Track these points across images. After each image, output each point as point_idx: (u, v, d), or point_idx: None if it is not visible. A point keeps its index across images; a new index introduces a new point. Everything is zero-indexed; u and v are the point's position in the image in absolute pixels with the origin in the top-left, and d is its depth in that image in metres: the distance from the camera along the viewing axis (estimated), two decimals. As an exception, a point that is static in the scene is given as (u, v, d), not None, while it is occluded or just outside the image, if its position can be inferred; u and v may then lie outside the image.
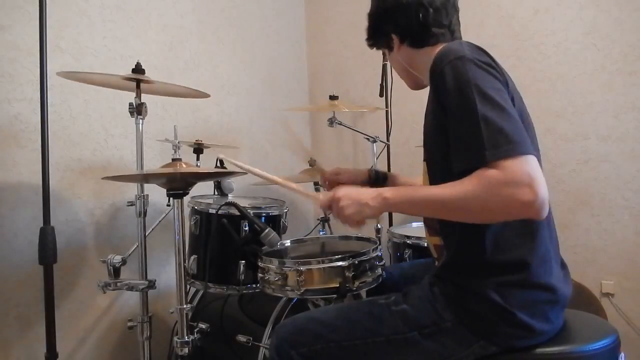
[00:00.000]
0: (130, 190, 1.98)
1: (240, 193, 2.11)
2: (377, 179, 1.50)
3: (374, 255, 1.36)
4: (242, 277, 1.68)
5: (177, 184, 1.47)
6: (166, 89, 1.76)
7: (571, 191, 2.12)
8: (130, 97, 1.63)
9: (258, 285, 1.48)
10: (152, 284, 1.65)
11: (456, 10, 1.22)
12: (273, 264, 1.37)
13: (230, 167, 1.60)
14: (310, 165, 2.29)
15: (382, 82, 2.45)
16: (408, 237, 1.88)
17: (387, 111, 2.52)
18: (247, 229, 1.66)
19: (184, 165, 1.47)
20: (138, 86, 1.61)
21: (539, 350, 1.00)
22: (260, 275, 1.42)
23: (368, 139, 2.39)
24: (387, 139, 2.51)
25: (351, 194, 1.05)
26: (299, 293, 1.31)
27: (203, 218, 1.74)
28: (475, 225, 1.00)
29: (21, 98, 1.81)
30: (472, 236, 1.02)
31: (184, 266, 1.51)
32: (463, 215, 0.96)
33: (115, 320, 2.07)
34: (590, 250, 2.08)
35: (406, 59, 1.23)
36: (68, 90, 1.91)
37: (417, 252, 1.84)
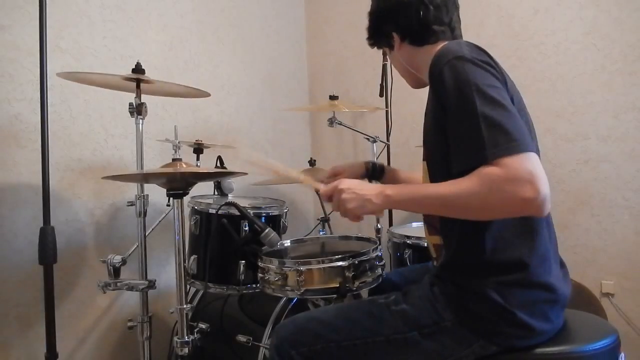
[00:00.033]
0: (130, 190, 1.98)
1: (240, 193, 2.11)
2: (374, 171, 1.50)
3: (374, 255, 1.36)
4: (242, 277, 1.69)
5: (177, 184, 1.47)
6: (166, 88, 1.76)
7: (571, 191, 2.12)
8: (130, 97, 1.63)
9: (258, 285, 1.48)
10: (152, 284, 1.65)
11: (456, 7, 1.22)
12: (273, 264, 1.37)
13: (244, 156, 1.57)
14: (310, 165, 2.29)
15: (382, 82, 2.44)
16: (408, 237, 1.88)
17: (387, 111, 2.52)
18: (247, 229, 1.66)
19: (184, 165, 1.47)
20: (138, 86, 1.61)
21: (539, 350, 1.00)
22: (260, 275, 1.42)
23: (368, 139, 2.39)
24: (387, 139, 2.51)
25: (354, 188, 1.05)
26: (299, 293, 1.30)
27: (203, 218, 1.74)
28: (475, 224, 1.00)
29: (21, 98, 1.81)
30: (472, 235, 1.02)
31: (184, 266, 1.51)
32: (464, 212, 0.96)
33: (115, 320, 2.07)
34: (590, 250, 2.08)
35: (407, 58, 1.23)
36: (68, 90, 1.91)
37: (417, 252, 1.84)
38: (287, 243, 1.65)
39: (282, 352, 1.09)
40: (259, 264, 1.43)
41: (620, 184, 2.01)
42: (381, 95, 2.46)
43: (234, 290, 1.70)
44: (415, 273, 1.42)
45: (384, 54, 2.36)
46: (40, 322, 1.57)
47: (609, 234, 2.04)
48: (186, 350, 1.46)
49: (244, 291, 1.71)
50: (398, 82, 2.26)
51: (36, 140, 1.69)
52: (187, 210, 1.80)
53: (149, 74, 1.61)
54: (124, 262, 1.62)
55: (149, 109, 1.66)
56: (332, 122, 2.32)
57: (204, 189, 1.94)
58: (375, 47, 1.31)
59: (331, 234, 2.29)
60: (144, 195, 1.68)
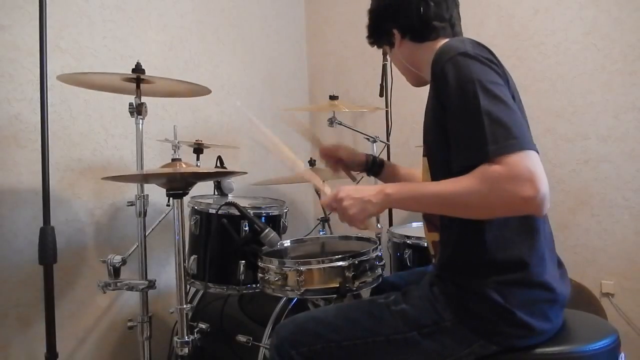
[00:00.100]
0: (130, 190, 1.98)
1: (240, 193, 2.11)
2: (374, 165, 1.49)
3: (374, 255, 1.36)
4: (242, 277, 1.69)
5: (177, 184, 1.47)
6: (167, 87, 1.76)
7: (571, 191, 2.12)
8: (130, 97, 1.63)
9: (258, 285, 1.48)
10: (152, 284, 1.65)
11: (456, 4, 1.22)
12: (273, 264, 1.37)
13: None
14: (310, 165, 2.29)
15: (382, 82, 2.44)
16: (408, 237, 1.87)
17: (387, 111, 2.52)
18: (247, 229, 1.66)
19: (183, 165, 1.47)
20: (138, 86, 1.61)
21: (539, 350, 1.00)
22: (260, 275, 1.42)
23: (368, 139, 2.39)
24: (387, 139, 2.51)
25: (353, 194, 1.05)
26: (299, 293, 1.30)
27: (203, 218, 1.74)
28: (474, 223, 1.00)
29: (21, 98, 1.81)
30: (472, 233, 1.02)
31: (184, 266, 1.51)
32: (464, 211, 0.96)
33: (115, 320, 2.07)
34: (590, 250, 2.08)
35: (407, 55, 1.23)
36: (68, 90, 1.91)
37: (417, 252, 1.83)
38: (287, 243, 1.65)
39: (282, 352, 1.09)
40: (259, 264, 1.43)
41: (620, 184, 2.01)
42: (381, 95, 2.46)
43: (234, 290, 1.70)
44: (415, 276, 1.42)
45: (384, 54, 2.36)
46: (40, 322, 1.57)
47: (609, 234, 2.04)
48: (186, 350, 1.46)
49: (244, 291, 1.71)
50: (398, 82, 2.26)
51: (36, 140, 1.69)
52: (187, 210, 1.80)
53: (149, 74, 1.61)
54: (124, 262, 1.62)
55: (149, 109, 1.66)
56: (332, 122, 2.32)
57: (204, 189, 1.94)
58: (375, 46, 1.31)
59: (331, 234, 2.29)
60: (144, 195, 1.68)
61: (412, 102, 2.51)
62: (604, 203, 2.05)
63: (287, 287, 1.33)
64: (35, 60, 1.50)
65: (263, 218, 1.76)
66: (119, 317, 2.07)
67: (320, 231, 2.26)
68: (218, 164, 2.00)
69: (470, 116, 0.92)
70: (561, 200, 2.13)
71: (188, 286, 1.72)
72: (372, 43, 1.31)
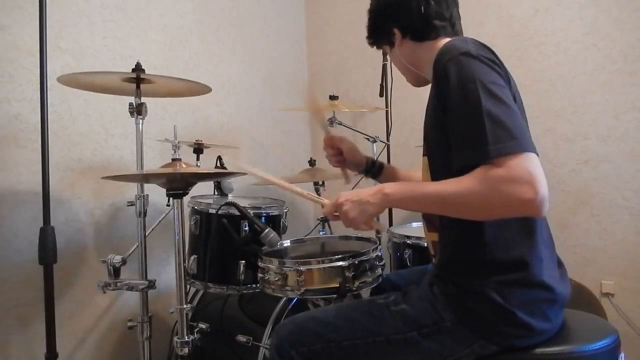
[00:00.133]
0: (130, 190, 1.98)
1: (240, 193, 2.11)
2: (373, 167, 1.49)
3: (374, 255, 1.36)
4: (242, 277, 1.69)
5: (177, 184, 1.47)
6: (166, 86, 1.76)
7: (571, 191, 2.12)
8: (130, 97, 1.63)
9: (258, 285, 1.48)
10: (152, 284, 1.65)
11: (456, 4, 1.22)
12: (273, 264, 1.37)
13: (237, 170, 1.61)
14: (310, 165, 2.29)
15: (382, 82, 2.44)
16: (408, 237, 1.88)
17: (387, 111, 2.52)
18: (247, 229, 1.66)
19: (183, 165, 1.47)
20: (138, 86, 1.61)
21: (539, 350, 1.00)
22: (260, 275, 1.42)
23: (368, 139, 2.39)
24: (387, 139, 2.51)
25: (351, 197, 1.05)
26: (299, 293, 1.30)
27: (203, 218, 1.74)
28: (474, 224, 1.00)
29: (21, 98, 1.81)
30: (472, 234, 1.02)
31: (184, 266, 1.51)
32: (464, 211, 0.96)
33: (115, 320, 2.07)
34: (590, 250, 2.08)
35: (408, 55, 1.23)
36: (68, 90, 1.90)
37: (417, 252, 1.83)
38: (287, 243, 1.65)
39: (282, 352, 1.09)
40: (259, 264, 1.43)
41: (620, 184, 2.01)
42: (381, 95, 2.46)
43: (234, 290, 1.70)
44: (415, 275, 1.42)
45: (384, 54, 2.36)
46: (40, 322, 1.57)
47: (609, 234, 2.04)
48: (186, 350, 1.46)
49: (244, 291, 1.71)
50: (398, 82, 2.26)
51: (36, 140, 1.69)
52: (187, 210, 1.80)
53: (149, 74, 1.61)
54: (124, 262, 1.63)
55: (148, 109, 1.66)
56: (332, 122, 2.32)
57: (204, 189, 1.94)
58: (375, 47, 1.31)
59: (331, 234, 2.29)
60: (144, 195, 1.68)
61: (412, 102, 2.51)
62: (604, 203, 2.05)
63: (287, 287, 1.33)
64: (35, 60, 1.50)
65: (263, 218, 1.76)
66: (119, 317, 2.07)
67: (320, 231, 2.26)
68: (218, 164, 2.00)
69: (471, 116, 0.92)
70: (561, 200, 2.13)
71: (188, 286, 1.72)
72: (372, 43, 1.31)
